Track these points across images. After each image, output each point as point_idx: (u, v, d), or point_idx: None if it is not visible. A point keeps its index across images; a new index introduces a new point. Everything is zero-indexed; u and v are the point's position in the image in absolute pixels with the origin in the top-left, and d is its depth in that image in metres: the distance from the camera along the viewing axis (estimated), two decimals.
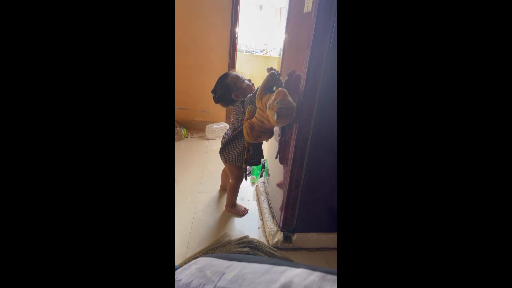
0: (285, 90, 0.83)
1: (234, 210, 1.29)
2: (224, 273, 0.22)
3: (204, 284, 0.22)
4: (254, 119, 0.97)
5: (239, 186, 1.26)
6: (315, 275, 0.20)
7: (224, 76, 1.17)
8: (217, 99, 1.18)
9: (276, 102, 0.82)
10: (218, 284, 0.21)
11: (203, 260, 0.25)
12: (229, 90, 1.14)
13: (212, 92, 1.18)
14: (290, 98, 0.84)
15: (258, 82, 1.15)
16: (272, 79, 0.92)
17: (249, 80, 1.17)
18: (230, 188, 1.27)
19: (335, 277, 0.19)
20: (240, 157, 1.15)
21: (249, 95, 1.06)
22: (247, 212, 1.30)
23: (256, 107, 0.96)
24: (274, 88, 0.92)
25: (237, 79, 1.14)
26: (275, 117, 0.83)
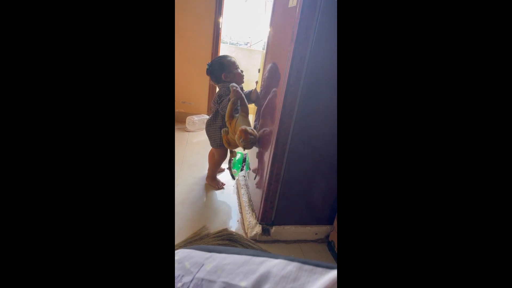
0: (246, 128, 1.07)
1: (213, 182, 1.45)
2: (203, 265, 0.22)
3: (182, 276, 0.21)
4: (229, 136, 1.22)
5: (221, 163, 1.45)
6: (292, 265, 0.20)
7: (224, 56, 1.31)
8: (209, 72, 1.31)
9: (241, 140, 1.08)
10: (197, 275, 0.21)
11: (182, 252, 0.25)
12: (222, 68, 1.27)
13: (208, 64, 1.31)
14: (251, 131, 1.08)
15: None
16: (234, 105, 1.16)
17: (241, 71, 1.31)
18: (213, 163, 1.43)
19: (312, 267, 0.20)
20: (219, 140, 1.33)
21: (225, 99, 1.22)
22: (223, 187, 1.45)
23: (228, 128, 1.22)
24: (239, 107, 1.20)
25: (233, 64, 1.29)
26: (242, 149, 1.17)
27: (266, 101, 1.12)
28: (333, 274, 0.19)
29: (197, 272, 0.21)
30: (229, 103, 1.16)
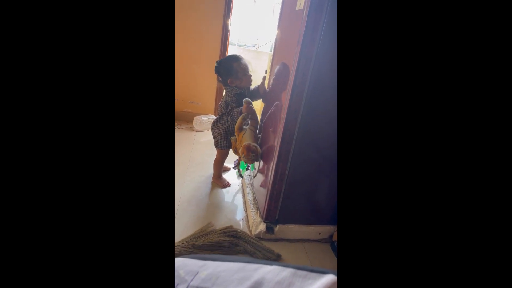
0: (249, 145, 1.11)
1: (218, 181, 1.48)
2: (197, 272, 0.22)
3: (177, 284, 0.22)
4: (237, 145, 1.24)
5: (223, 161, 1.47)
6: (286, 271, 0.21)
7: (235, 59, 1.23)
8: (217, 71, 1.25)
9: (243, 156, 1.13)
10: (192, 283, 0.22)
11: (176, 261, 0.25)
12: (229, 72, 1.21)
13: (217, 62, 1.25)
14: (253, 148, 1.12)
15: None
16: (244, 120, 1.19)
17: (250, 75, 1.25)
18: (215, 162, 1.47)
19: (305, 273, 0.20)
20: (221, 142, 1.37)
21: (236, 110, 1.22)
22: (229, 186, 1.48)
23: (236, 137, 1.25)
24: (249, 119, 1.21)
25: (242, 70, 1.21)
26: (245, 164, 1.26)
27: (272, 102, 1.14)
28: (326, 278, 0.19)
29: (191, 280, 0.22)
30: (240, 117, 1.18)
